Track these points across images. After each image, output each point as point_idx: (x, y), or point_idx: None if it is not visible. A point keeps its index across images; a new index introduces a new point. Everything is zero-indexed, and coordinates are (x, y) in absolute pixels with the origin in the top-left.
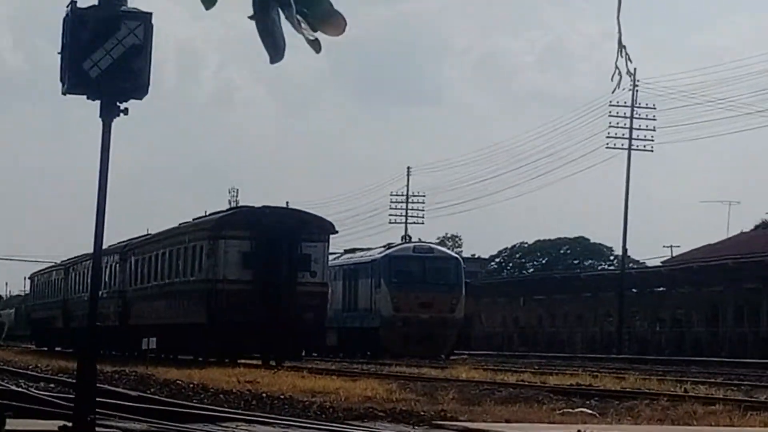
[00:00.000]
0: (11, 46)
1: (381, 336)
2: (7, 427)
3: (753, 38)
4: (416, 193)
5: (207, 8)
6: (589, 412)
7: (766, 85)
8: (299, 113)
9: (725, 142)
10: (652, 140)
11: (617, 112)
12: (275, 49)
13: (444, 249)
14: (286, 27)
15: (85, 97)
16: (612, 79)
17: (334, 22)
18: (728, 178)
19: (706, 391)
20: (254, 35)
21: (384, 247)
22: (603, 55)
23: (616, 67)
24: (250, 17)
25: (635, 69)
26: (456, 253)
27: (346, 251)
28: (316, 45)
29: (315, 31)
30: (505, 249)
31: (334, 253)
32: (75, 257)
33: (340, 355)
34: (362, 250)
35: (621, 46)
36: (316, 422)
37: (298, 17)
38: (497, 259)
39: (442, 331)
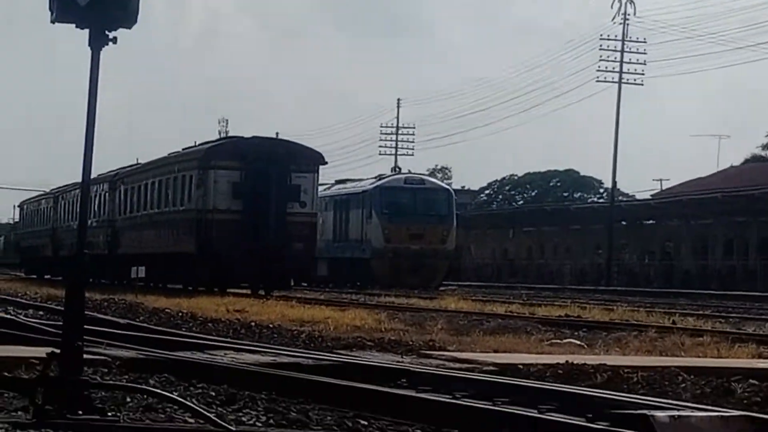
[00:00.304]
0: None
1: (371, 267)
2: None
3: None
4: (406, 125)
5: None
6: (578, 342)
7: (756, 19)
8: (287, 44)
9: (716, 76)
10: (643, 74)
11: (608, 46)
12: None
13: (435, 180)
14: None
15: (73, 25)
16: (612, 6)
17: None
18: (719, 112)
19: (694, 323)
20: None
21: (375, 178)
22: None
23: None
24: None
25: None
26: (446, 184)
27: (338, 182)
28: None
29: None
30: (495, 181)
31: (325, 184)
32: (64, 186)
33: (330, 286)
34: (353, 181)
35: None
36: (304, 351)
37: None
38: (487, 191)
39: (432, 263)
